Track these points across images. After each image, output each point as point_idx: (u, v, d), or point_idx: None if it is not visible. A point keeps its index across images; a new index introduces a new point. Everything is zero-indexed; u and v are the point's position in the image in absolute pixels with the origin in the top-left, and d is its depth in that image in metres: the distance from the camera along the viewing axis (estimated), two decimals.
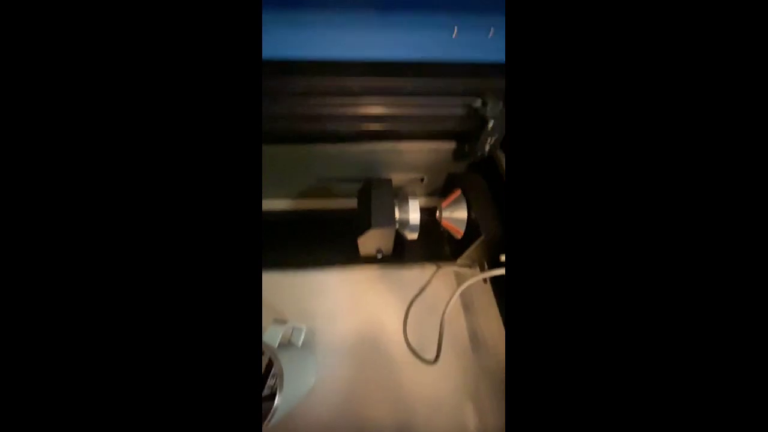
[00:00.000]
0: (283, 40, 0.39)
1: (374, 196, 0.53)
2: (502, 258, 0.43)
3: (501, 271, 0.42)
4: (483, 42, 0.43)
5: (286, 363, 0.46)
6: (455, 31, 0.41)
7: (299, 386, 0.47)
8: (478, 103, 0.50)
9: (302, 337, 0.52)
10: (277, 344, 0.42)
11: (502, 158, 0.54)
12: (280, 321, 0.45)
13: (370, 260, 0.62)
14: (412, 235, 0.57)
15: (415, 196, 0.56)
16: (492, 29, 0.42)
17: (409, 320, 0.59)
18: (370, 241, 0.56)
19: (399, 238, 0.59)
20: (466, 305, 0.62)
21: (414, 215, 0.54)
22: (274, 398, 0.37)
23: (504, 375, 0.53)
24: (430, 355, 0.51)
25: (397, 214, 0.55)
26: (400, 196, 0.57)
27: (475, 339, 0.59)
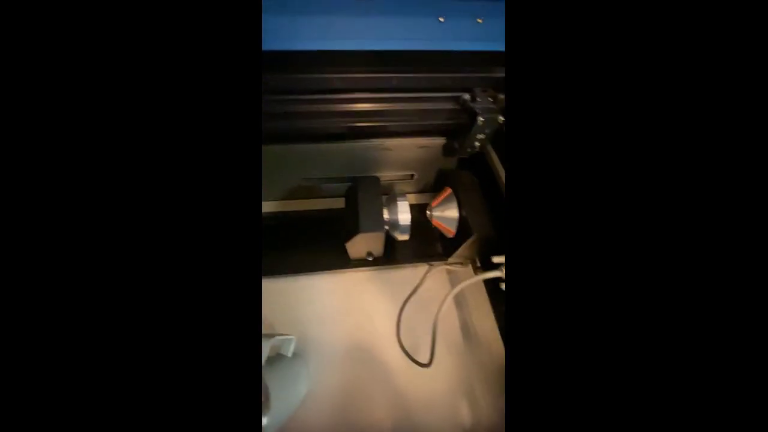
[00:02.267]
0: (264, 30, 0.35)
1: (361, 198, 0.51)
2: (495, 260, 0.42)
3: (496, 274, 0.41)
4: (471, 29, 0.41)
5: (276, 377, 0.44)
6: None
7: (290, 399, 0.45)
8: (467, 97, 0.48)
9: (292, 347, 0.50)
10: (263, 360, 0.40)
11: (493, 154, 0.53)
12: (267, 336, 0.43)
13: (360, 263, 0.60)
14: (403, 237, 0.55)
15: (404, 196, 0.54)
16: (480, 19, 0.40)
17: (402, 321, 0.58)
18: (359, 245, 0.54)
19: (390, 238, 0.57)
20: (459, 302, 0.62)
21: (404, 216, 0.53)
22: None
23: (498, 371, 0.54)
24: (424, 354, 0.50)
25: (386, 216, 0.53)
26: (389, 197, 0.55)
27: (468, 336, 0.58)
